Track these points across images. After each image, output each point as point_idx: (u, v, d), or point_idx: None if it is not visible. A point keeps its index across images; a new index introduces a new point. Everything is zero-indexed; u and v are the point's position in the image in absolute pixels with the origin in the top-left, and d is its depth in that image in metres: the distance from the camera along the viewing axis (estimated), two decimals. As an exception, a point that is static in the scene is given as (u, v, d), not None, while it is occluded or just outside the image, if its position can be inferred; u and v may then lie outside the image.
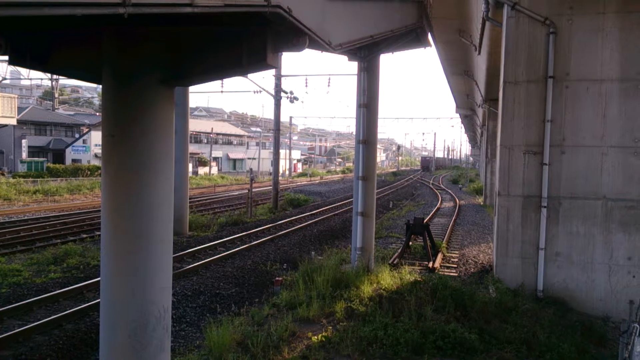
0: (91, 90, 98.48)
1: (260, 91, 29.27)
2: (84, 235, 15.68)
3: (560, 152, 9.20)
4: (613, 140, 8.95)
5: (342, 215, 21.71)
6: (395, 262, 11.49)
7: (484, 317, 7.34)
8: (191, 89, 23.23)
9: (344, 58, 10.83)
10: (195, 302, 9.43)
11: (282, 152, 35.82)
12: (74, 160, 47.53)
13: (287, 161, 66.64)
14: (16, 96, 35.08)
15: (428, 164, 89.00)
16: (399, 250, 12.71)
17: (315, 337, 6.71)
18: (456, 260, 12.58)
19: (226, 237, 15.52)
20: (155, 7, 2.76)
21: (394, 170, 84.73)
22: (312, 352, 6.22)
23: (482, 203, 27.62)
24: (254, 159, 57.17)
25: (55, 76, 43.65)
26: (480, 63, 19.24)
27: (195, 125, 59.01)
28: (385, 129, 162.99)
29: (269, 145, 67.52)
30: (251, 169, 28.27)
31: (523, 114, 9.40)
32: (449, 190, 37.55)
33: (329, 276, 8.85)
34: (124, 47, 4.22)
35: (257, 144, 69.03)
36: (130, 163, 4.30)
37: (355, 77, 10.84)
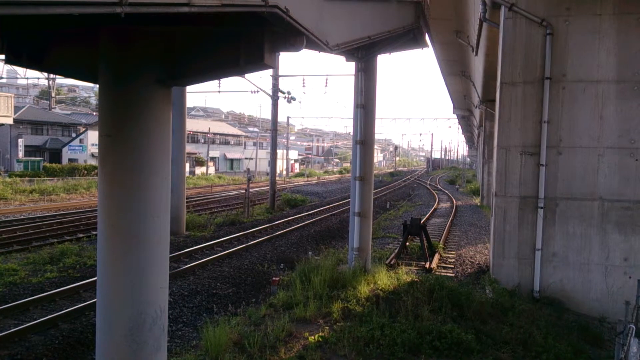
0: (88, 89, 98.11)
1: (258, 91, 29.27)
2: (81, 235, 15.62)
3: (557, 153, 9.23)
4: (609, 141, 8.98)
5: (339, 215, 21.71)
6: (392, 262, 11.50)
7: (480, 317, 7.36)
8: (188, 88, 23.17)
9: (342, 58, 10.83)
10: (192, 302, 9.42)
11: (279, 152, 35.72)
12: (70, 160, 47.36)
13: (285, 161, 66.53)
14: (13, 95, 35.02)
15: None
16: (396, 251, 12.71)
17: (312, 337, 6.71)
18: (453, 260, 12.59)
19: (223, 237, 15.50)
20: (153, 7, 2.76)
21: (392, 170, 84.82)
22: (309, 352, 6.22)
23: (479, 203, 27.67)
24: (251, 159, 57.04)
25: (52, 75, 43.54)
26: (477, 64, 19.28)
27: (192, 125, 58.89)
28: (382, 130, 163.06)
29: (267, 145, 67.41)
30: (248, 169, 28.16)
31: (520, 115, 9.43)
32: (446, 191, 37.60)
33: (326, 276, 8.85)
34: (121, 46, 4.21)
35: (255, 144, 68.82)
36: (127, 163, 4.29)
37: (353, 77, 10.85)
